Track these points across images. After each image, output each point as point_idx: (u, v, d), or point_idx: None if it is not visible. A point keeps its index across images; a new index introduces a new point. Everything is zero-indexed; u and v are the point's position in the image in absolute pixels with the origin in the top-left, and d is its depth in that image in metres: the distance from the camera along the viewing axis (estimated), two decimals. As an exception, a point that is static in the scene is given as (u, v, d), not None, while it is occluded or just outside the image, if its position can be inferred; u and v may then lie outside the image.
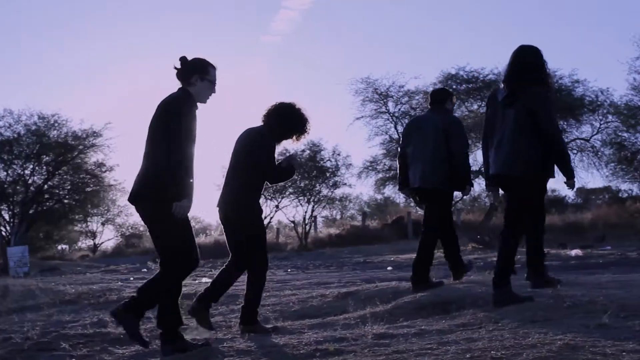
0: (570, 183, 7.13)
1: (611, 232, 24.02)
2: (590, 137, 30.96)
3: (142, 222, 6.15)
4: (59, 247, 48.36)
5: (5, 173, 36.22)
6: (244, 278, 6.88)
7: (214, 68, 5.99)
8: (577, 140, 31.20)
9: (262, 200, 7.51)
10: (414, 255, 8.77)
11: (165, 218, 5.55)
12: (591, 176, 47.02)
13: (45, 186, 36.60)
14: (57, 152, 35.52)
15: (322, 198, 37.15)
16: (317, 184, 34.98)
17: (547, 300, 6.13)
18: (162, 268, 5.76)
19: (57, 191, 37.81)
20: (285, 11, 71.13)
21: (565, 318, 5.47)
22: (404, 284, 8.89)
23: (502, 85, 7.21)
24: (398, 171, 9.55)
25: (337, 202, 43.33)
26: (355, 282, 10.93)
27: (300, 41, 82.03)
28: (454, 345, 4.86)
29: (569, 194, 46.21)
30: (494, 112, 7.18)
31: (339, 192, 38.86)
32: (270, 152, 6.92)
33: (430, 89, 26.62)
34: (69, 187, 38.01)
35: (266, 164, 6.85)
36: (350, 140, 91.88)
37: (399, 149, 9.79)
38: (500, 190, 7.36)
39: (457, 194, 9.56)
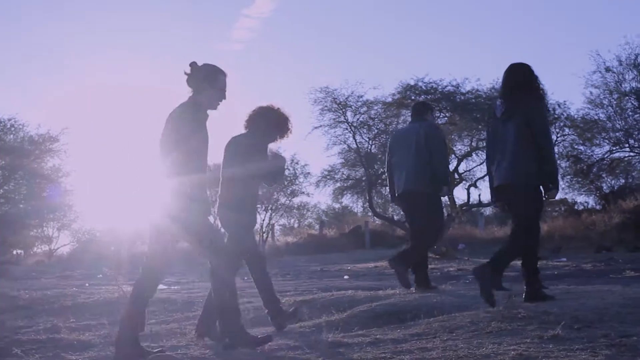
0: (552, 194, 7.30)
1: (567, 244, 24.22)
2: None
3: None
4: (15, 252, 47.76)
5: (-41, 177, 35.76)
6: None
7: (224, 75, 5.99)
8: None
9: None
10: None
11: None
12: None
13: (1, 190, 36.14)
14: (13, 156, 35.09)
15: (280, 206, 37.10)
16: (275, 192, 34.89)
17: (502, 311, 6.16)
18: None
19: (13, 196, 37.36)
20: (245, 19, 70.92)
21: (519, 329, 5.50)
22: (360, 293, 8.91)
23: (498, 102, 7.48)
24: (388, 183, 9.87)
25: (294, 210, 43.33)
26: (312, 291, 10.92)
27: (260, 49, 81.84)
28: (408, 355, 4.87)
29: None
30: (494, 127, 7.46)
31: (297, 200, 38.86)
32: (264, 155, 7.13)
33: (389, 99, 26.80)
34: (24, 192, 37.57)
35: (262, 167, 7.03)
36: (309, 149, 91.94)
37: (385, 162, 10.08)
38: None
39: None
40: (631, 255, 19.21)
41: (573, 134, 28.99)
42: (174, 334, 7.13)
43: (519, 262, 7.36)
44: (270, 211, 35.66)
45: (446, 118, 26.18)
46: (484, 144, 27.03)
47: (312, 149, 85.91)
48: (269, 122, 7.21)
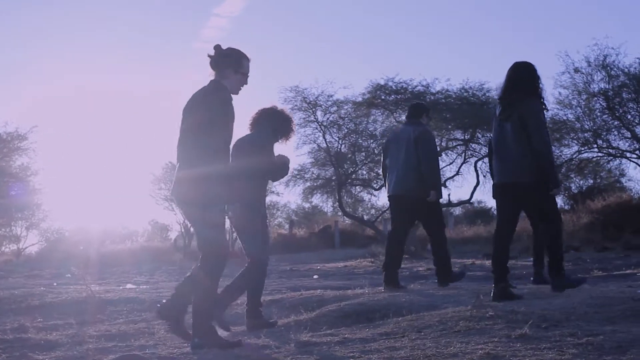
0: (555, 192, 7.46)
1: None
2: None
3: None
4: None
5: None
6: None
7: (247, 60, 6.06)
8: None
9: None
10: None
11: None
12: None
13: (-32, 189, 35.84)
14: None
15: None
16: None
17: (470, 310, 6.18)
18: None
19: (-20, 194, 37.04)
20: (215, 18, 70.64)
21: (487, 328, 5.52)
22: (329, 292, 8.91)
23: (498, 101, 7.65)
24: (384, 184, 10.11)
25: (264, 209, 43.18)
26: (281, 290, 10.91)
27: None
28: (376, 354, 4.87)
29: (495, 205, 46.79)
30: (495, 126, 7.58)
31: (266, 199, 38.76)
32: (271, 154, 7.26)
33: (360, 98, 26.85)
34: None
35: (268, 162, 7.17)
36: (278, 148, 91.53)
37: (381, 164, 10.31)
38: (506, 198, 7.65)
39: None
40: (599, 255, 19.37)
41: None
42: (142, 334, 7.09)
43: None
44: (239, 210, 35.47)
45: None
46: (454, 144, 27.21)
47: (282, 148, 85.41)
48: (274, 123, 7.34)
